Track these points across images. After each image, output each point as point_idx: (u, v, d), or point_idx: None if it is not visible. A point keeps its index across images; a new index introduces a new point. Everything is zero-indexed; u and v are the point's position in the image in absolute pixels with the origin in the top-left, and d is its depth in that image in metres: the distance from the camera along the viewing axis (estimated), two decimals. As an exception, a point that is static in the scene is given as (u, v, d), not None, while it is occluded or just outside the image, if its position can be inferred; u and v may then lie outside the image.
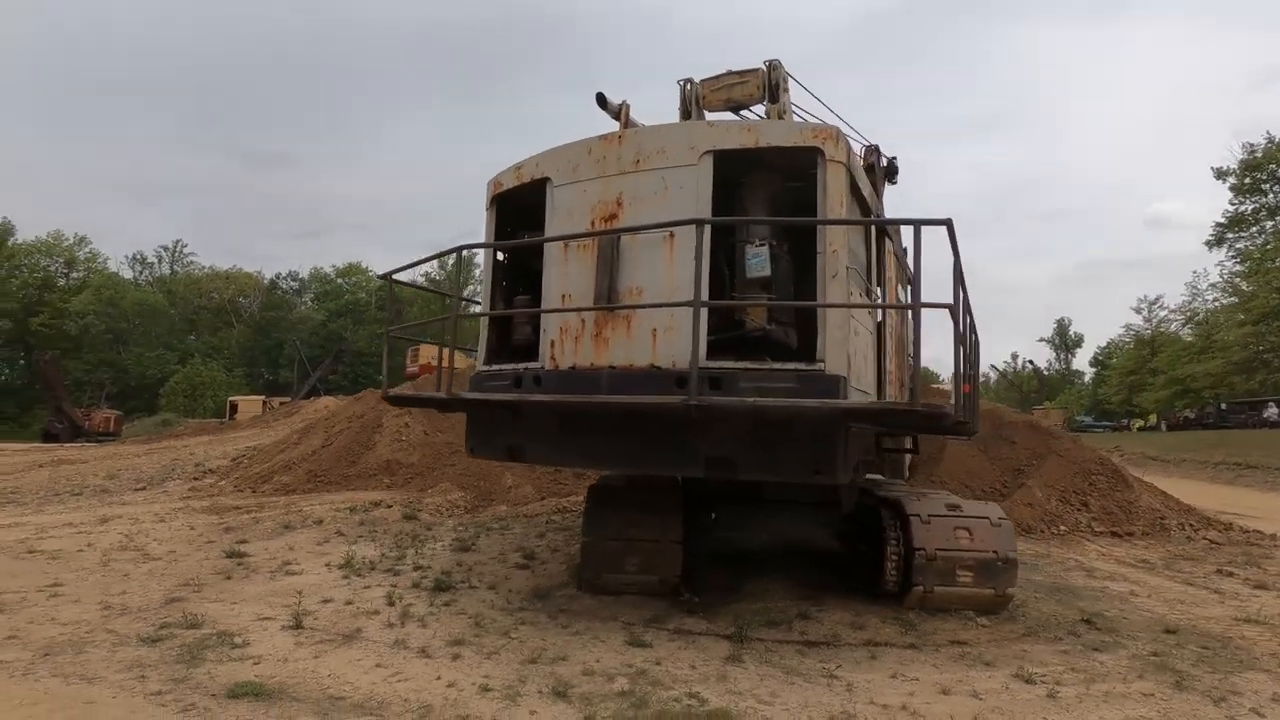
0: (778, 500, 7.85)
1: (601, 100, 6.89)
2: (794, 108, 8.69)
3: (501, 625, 5.79)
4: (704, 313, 5.37)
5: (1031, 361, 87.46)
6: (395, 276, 7.03)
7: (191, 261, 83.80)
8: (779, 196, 6.19)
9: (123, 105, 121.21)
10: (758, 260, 5.84)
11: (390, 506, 11.17)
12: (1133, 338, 70.20)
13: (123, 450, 20.92)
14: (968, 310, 7.70)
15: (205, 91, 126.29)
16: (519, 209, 6.79)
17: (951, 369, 9.52)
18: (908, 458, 14.60)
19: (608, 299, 5.67)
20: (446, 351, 6.44)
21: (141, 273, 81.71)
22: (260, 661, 4.79)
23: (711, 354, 5.45)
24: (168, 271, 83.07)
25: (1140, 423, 61.82)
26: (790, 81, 8.37)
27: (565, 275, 6.11)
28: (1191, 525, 12.26)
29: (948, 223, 4.82)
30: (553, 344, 6.07)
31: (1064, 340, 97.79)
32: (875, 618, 6.35)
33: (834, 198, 5.50)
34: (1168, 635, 6.18)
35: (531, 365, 6.20)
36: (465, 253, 6.60)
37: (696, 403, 4.77)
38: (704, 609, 6.44)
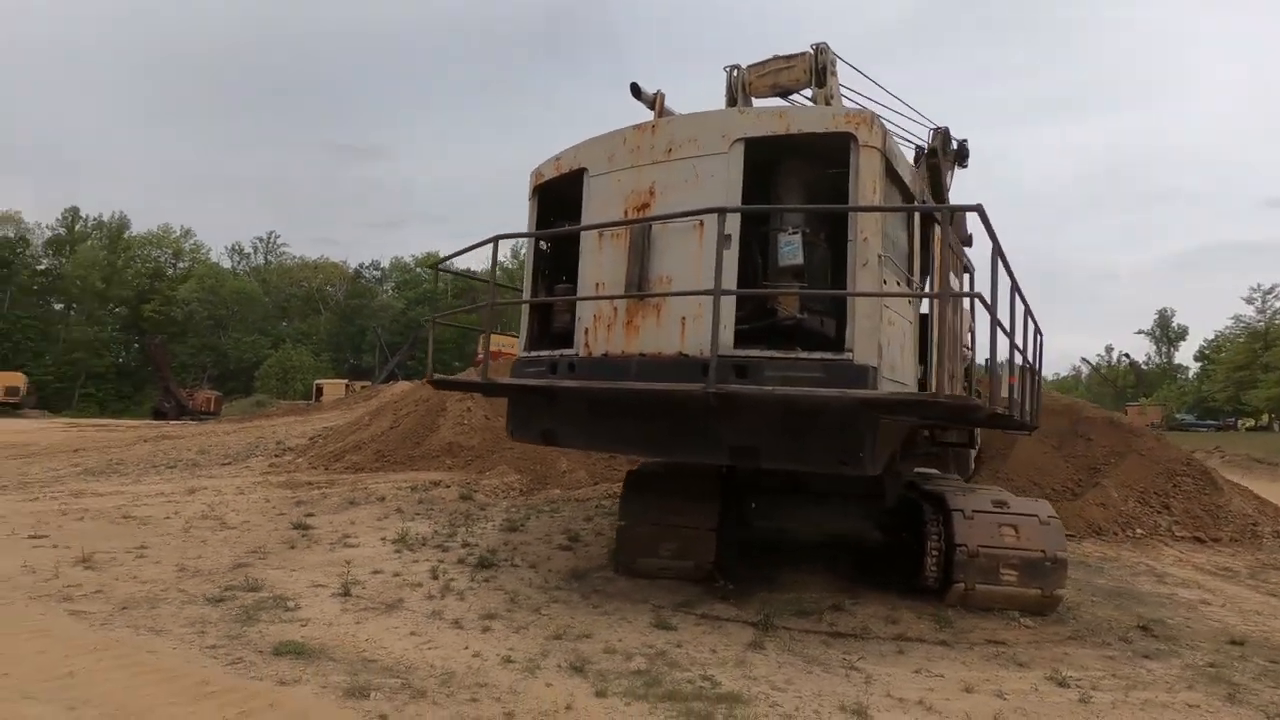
0: (819, 491, 7.77)
1: (636, 90, 6.95)
2: (845, 91, 8.51)
3: (534, 602, 6.00)
4: (729, 301, 5.41)
5: (1127, 355, 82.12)
6: (441, 266, 7.31)
7: (284, 251, 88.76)
8: (814, 183, 6.11)
9: (223, 101, 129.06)
10: (790, 248, 5.77)
11: (449, 486, 11.64)
12: (1243, 330, 65.04)
13: (216, 428, 22.51)
14: (1022, 299, 7.42)
15: (299, 88, 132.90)
16: (559, 199, 6.93)
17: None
18: (972, 453, 14.14)
19: (638, 287, 5.75)
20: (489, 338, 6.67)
21: (239, 262, 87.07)
22: (307, 624, 5.15)
23: (741, 343, 5.45)
24: (262, 261, 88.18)
25: (1249, 422, 57.34)
26: (842, 65, 8.19)
27: (599, 264, 6.22)
28: (1287, 532, 11.36)
29: (979, 209, 4.67)
30: (587, 331, 6.21)
31: (1166, 333, 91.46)
32: (911, 613, 6.24)
33: (866, 184, 5.38)
34: (1232, 646, 5.82)
35: (567, 352, 6.35)
36: (507, 241, 6.80)
37: (715, 390, 4.80)
38: (736, 596, 6.47)
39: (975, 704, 4.35)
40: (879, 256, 5.40)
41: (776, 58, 8.42)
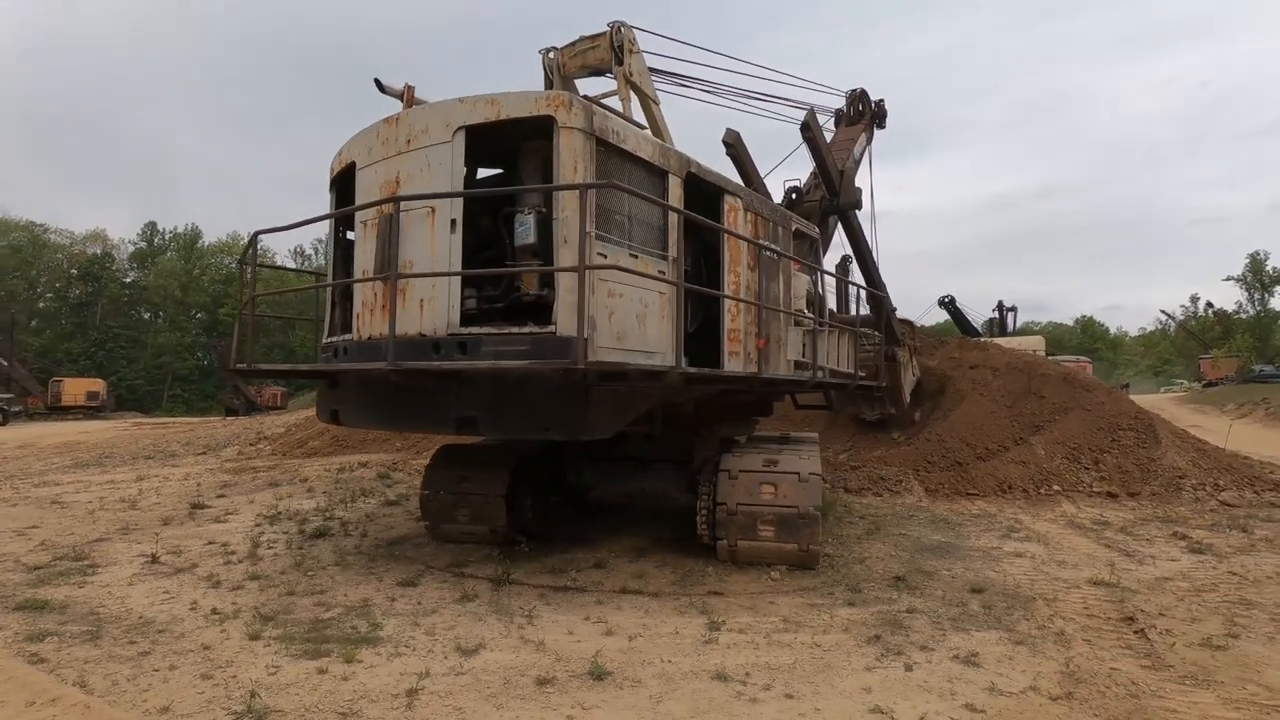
0: (638, 458, 8.10)
1: (380, 85, 7.21)
2: (655, 69, 8.64)
3: (317, 566, 6.63)
4: (455, 282, 5.81)
5: (1210, 304, 76.17)
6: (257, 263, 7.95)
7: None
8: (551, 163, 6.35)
9: (277, 109, 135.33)
10: (524, 228, 6.01)
11: (369, 467, 12.46)
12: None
13: (220, 422, 24.28)
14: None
15: (350, 89, 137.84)
16: (350, 190, 7.42)
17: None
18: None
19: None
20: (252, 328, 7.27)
21: (302, 264, 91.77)
22: (84, 586, 5.94)
23: (472, 321, 5.82)
24: (321, 262, 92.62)
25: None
26: (726, 39, 8.31)
27: (365, 253, 6.68)
28: (1215, 486, 10.84)
29: (610, 186, 4.92)
30: (358, 317, 6.71)
31: (1259, 278, 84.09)
32: (668, 569, 6.54)
33: (566, 163, 5.59)
34: (972, 594, 5.87)
35: (347, 337, 6.88)
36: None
37: (393, 368, 5.25)
38: (533, 557, 6.90)
39: (599, 644, 4.67)
40: (585, 233, 5.56)
41: (583, 38, 8.61)
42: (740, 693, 3.98)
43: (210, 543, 7.51)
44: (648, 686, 4.06)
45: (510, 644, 4.69)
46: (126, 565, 6.62)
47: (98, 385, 44.41)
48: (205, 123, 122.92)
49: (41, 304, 74.51)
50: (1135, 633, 4.97)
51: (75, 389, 42.76)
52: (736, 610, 5.43)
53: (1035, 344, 26.82)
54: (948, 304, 36.96)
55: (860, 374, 10.23)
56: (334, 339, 7.21)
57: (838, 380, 9.35)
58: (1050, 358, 34.50)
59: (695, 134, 10.95)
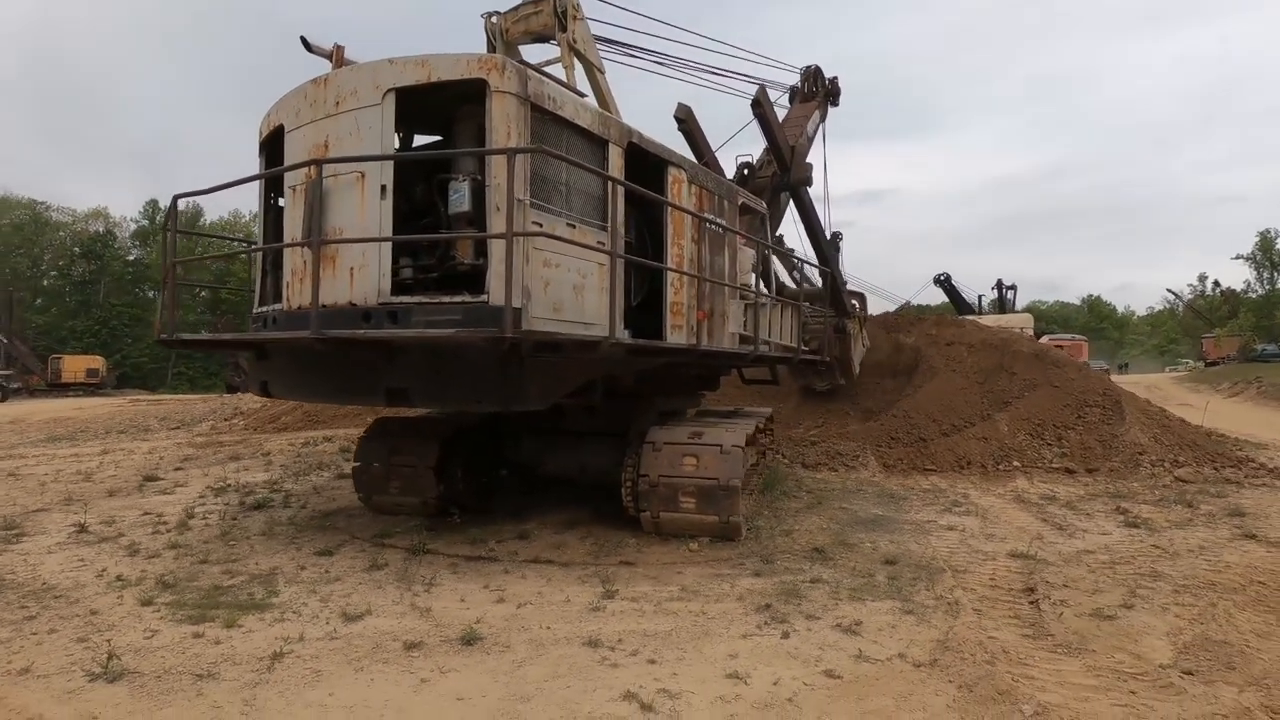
0: (577, 431, 8.08)
1: (306, 44, 7.04)
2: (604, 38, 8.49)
3: (241, 536, 6.68)
4: (386, 251, 5.72)
5: (1217, 283, 75.30)
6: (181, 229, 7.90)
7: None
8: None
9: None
10: (457, 196, 5.89)
11: (334, 441, 12.52)
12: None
13: (200, 398, 24.41)
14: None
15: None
16: (279, 154, 7.33)
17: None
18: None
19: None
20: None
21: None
22: (3, 554, 6.00)
23: (406, 290, 5.75)
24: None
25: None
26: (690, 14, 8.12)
27: (293, 219, 6.61)
28: (1174, 462, 10.77)
29: (538, 151, 4.96)
30: (287, 285, 6.67)
31: (1269, 257, 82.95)
32: (594, 541, 6.56)
33: (499, 129, 5.46)
34: (883, 566, 5.86)
35: (276, 306, 6.86)
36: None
37: (316, 336, 5.22)
38: (460, 529, 6.92)
39: (486, 611, 4.71)
40: (518, 200, 5.50)
41: (526, 3, 8.44)
42: (605, 658, 3.99)
43: (146, 514, 7.58)
44: (515, 651, 4.08)
45: (398, 611, 4.72)
46: (54, 534, 6.70)
47: (97, 362, 44.75)
48: (205, 99, 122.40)
49: (46, 282, 74.90)
50: (1030, 603, 4.95)
51: (75, 366, 43.10)
52: (639, 580, 5.44)
53: (1023, 322, 26.57)
54: (943, 282, 36.74)
55: (804, 348, 10.16)
56: (264, 309, 7.19)
57: (781, 355, 9.29)
58: (1043, 336, 34.32)
59: (654, 108, 10.83)
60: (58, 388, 41.40)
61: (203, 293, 73.35)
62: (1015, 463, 11.18)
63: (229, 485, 9.09)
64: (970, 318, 22.76)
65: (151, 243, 78.47)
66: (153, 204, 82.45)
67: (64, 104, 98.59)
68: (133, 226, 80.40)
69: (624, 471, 6.97)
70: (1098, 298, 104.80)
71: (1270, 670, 3.79)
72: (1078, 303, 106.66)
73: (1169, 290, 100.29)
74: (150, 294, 78.66)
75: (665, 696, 3.55)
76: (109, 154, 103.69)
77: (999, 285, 39.14)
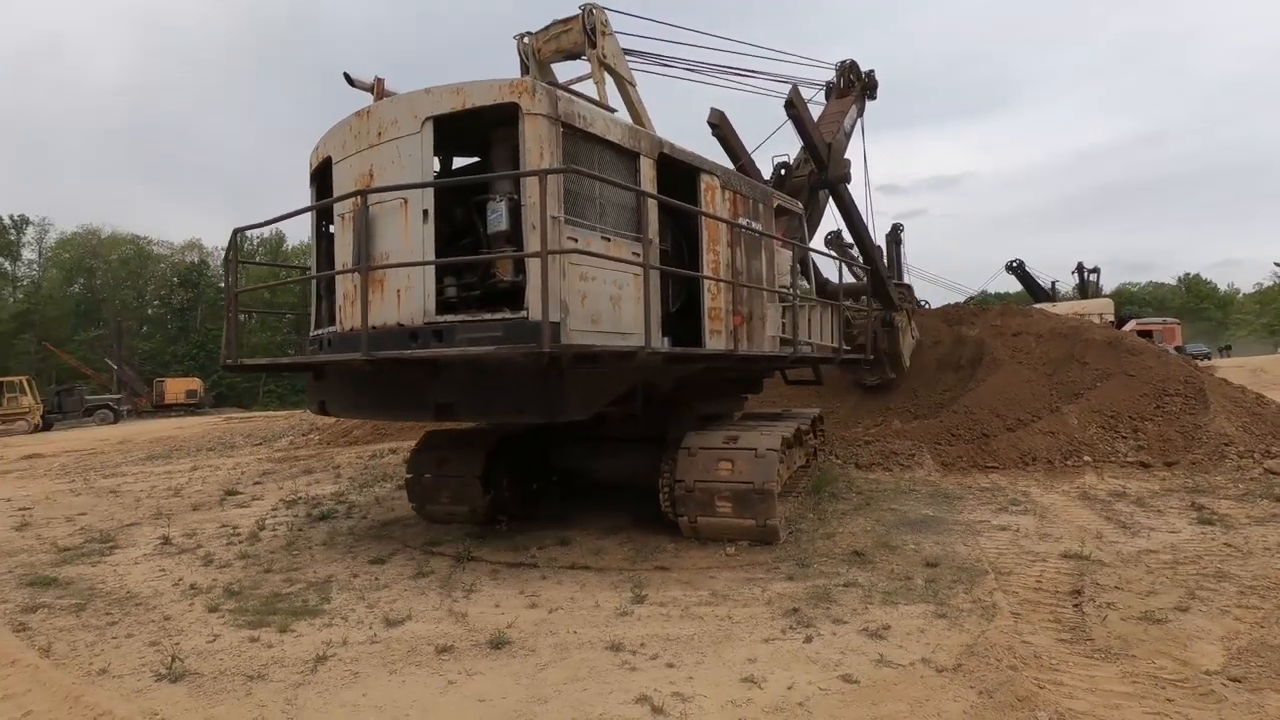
0: (620, 437, 8.23)
1: (349, 79, 7.40)
2: (631, 50, 8.63)
3: (305, 546, 7.11)
4: (430, 272, 5.99)
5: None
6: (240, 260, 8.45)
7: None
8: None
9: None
10: (495, 216, 6.14)
11: (398, 454, 13.08)
12: None
13: (284, 415, 25.78)
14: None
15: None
16: (329, 184, 7.76)
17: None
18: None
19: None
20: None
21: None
22: (97, 565, 6.60)
23: (451, 309, 6.02)
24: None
25: None
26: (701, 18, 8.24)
27: (344, 246, 7.01)
28: (1266, 453, 10.06)
29: (567, 170, 5.24)
30: (340, 309, 7.08)
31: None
32: (633, 546, 6.67)
33: (532, 150, 5.65)
34: (924, 569, 5.75)
35: (331, 329, 7.28)
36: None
37: (366, 358, 5.54)
38: (511, 534, 7.19)
39: (518, 615, 4.89)
40: (552, 218, 5.66)
41: (556, 22, 8.67)
42: (625, 662, 4.09)
43: (223, 526, 8.16)
44: (540, 655, 4.23)
45: (436, 616, 4.96)
46: (142, 546, 7.30)
47: (195, 384, 48.00)
48: (286, 131, 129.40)
49: (150, 311, 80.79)
50: (1074, 606, 4.76)
51: (176, 388, 46.38)
52: (671, 584, 5.52)
53: (1101, 307, 25.18)
54: (1016, 268, 35.24)
55: (845, 347, 9.98)
56: (319, 331, 7.64)
57: (821, 355, 9.17)
58: (1129, 321, 32.32)
59: (692, 113, 10.88)
60: (161, 409, 44.63)
61: (289, 315, 77.21)
62: (1085, 458, 10.66)
63: (299, 498, 9.66)
64: (1041, 306, 21.73)
65: (242, 270, 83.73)
66: (237, 233, 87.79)
67: (160, 140, 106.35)
68: (222, 255, 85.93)
69: (661, 477, 7.05)
70: (1196, 276, 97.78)
71: (1325, 677, 3.55)
72: (1173, 283, 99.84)
73: (1276, 263, 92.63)
74: (241, 318, 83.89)
75: (678, 699, 3.62)
76: (203, 186, 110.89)
77: (1080, 269, 37.22)
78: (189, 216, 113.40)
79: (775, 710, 3.50)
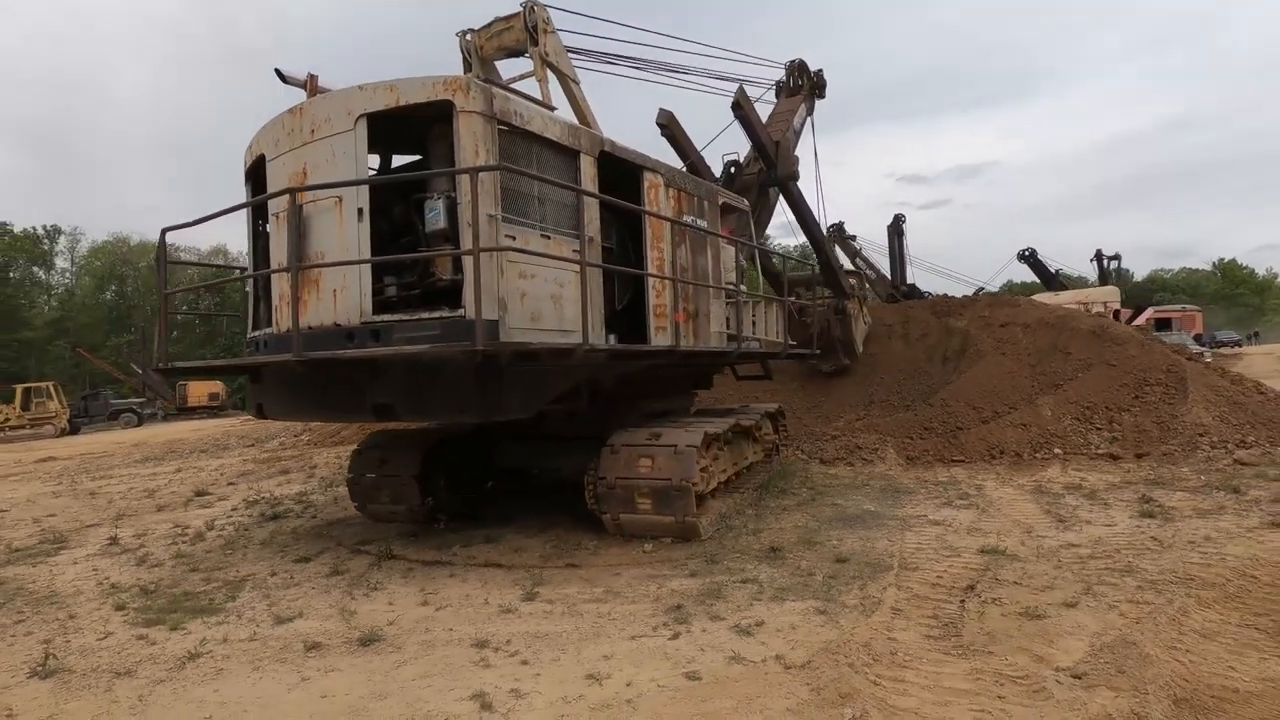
0: (560, 436, 8.24)
1: (281, 75, 7.42)
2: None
3: (246, 544, 7.26)
4: (366, 271, 6.00)
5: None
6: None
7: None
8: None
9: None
10: (433, 214, 6.04)
11: (374, 453, 13.24)
12: None
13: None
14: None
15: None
16: (263, 183, 7.82)
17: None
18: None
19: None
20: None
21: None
22: (38, 565, 6.81)
23: (390, 309, 6.02)
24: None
25: None
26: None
27: (278, 245, 7.05)
28: (1240, 443, 9.77)
29: (498, 168, 5.41)
30: (275, 310, 7.16)
31: None
32: (555, 544, 6.70)
33: (467, 148, 5.63)
34: (832, 565, 5.69)
35: (268, 331, 7.39)
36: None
37: (299, 359, 5.60)
38: (438, 534, 7.27)
39: (404, 613, 4.94)
40: (489, 216, 5.66)
41: (498, 19, 8.69)
42: (484, 659, 4.12)
43: (177, 526, 8.36)
44: (403, 652, 4.27)
45: (326, 614, 5.03)
46: (89, 547, 7.51)
47: (217, 387, 49.07)
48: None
49: (180, 316, 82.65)
50: (959, 603, 4.67)
51: (199, 391, 47.51)
52: (572, 582, 5.53)
53: (1106, 295, 24.52)
54: (1028, 258, 34.52)
55: (792, 342, 9.88)
56: (256, 333, 7.76)
57: (766, 350, 9.09)
58: (1146, 310, 31.45)
59: (643, 113, 10.83)
60: (185, 411, 45.78)
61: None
62: (1056, 450, 10.46)
63: (263, 498, 9.85)
64: (1043, 295, 21.26)
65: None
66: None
67: (182, 147, 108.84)
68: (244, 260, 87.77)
69: (586, 474, 7.06)
70: (1232, 261, 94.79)
71: (1163, 675, 3.44)
72: (1208, 268, 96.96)
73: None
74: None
75: (513, 696, 3.64)
76: (231, 194, 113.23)
77: (1099, 256, 36.33)
78: (215, 223, 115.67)
79: (602, 707, 3.49)
